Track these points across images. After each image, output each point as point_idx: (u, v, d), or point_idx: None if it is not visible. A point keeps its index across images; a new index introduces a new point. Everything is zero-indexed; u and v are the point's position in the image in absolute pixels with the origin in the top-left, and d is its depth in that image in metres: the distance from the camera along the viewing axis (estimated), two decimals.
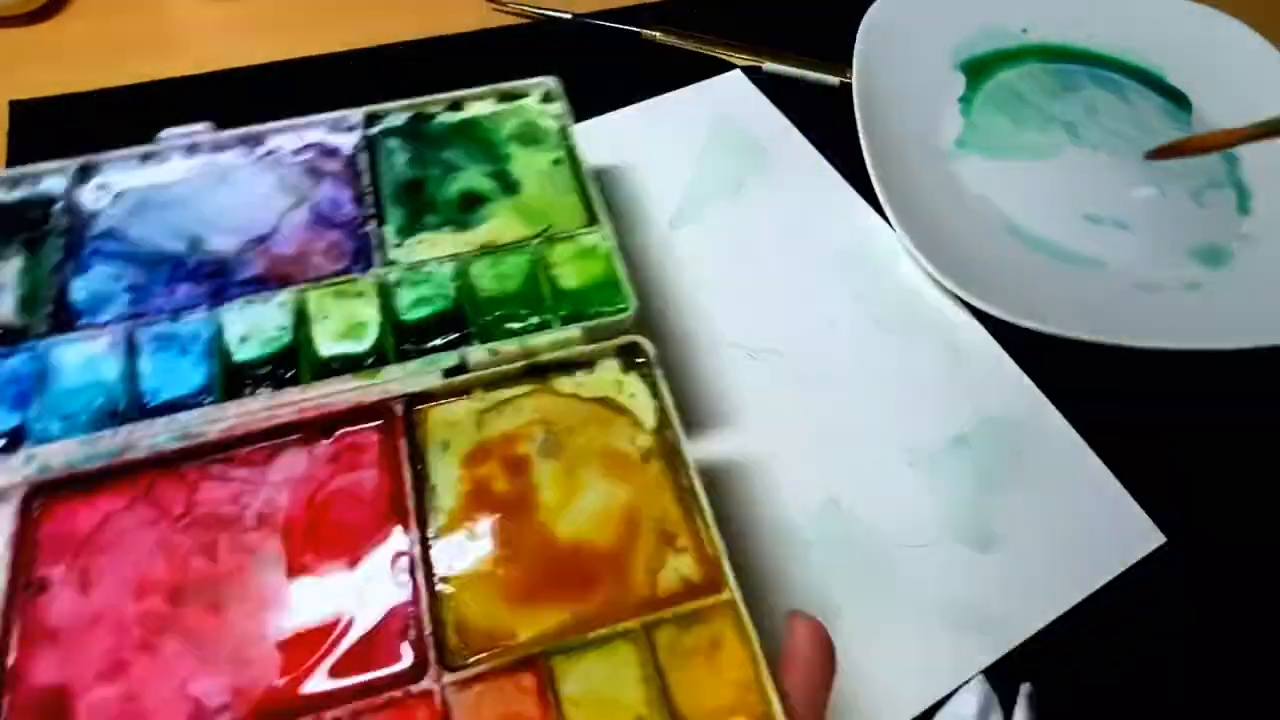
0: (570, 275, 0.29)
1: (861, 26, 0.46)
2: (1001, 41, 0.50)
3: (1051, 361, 0.37)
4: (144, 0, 0.46)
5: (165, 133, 0.31)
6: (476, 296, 0.29)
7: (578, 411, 0.27)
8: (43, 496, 0.24)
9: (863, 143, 0.41)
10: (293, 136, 0.33)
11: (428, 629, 0.22)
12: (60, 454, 0.24)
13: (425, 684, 0.21)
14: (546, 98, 0.35)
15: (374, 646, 0.22)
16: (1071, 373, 0.37)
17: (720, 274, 0.39)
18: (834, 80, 0.47)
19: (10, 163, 0.38)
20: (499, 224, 0.31)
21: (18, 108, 0.40)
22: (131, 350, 0.27)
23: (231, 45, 0.44)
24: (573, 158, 0.33)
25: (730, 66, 0.47)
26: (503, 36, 0.47)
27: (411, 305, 0.28)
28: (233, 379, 0.26)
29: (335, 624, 0.23)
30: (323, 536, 0.24)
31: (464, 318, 0.28)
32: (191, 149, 0.32)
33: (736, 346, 0.37)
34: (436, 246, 0.30)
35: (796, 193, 0.42)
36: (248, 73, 0.43)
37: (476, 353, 0.27)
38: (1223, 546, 0.34)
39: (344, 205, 0.31)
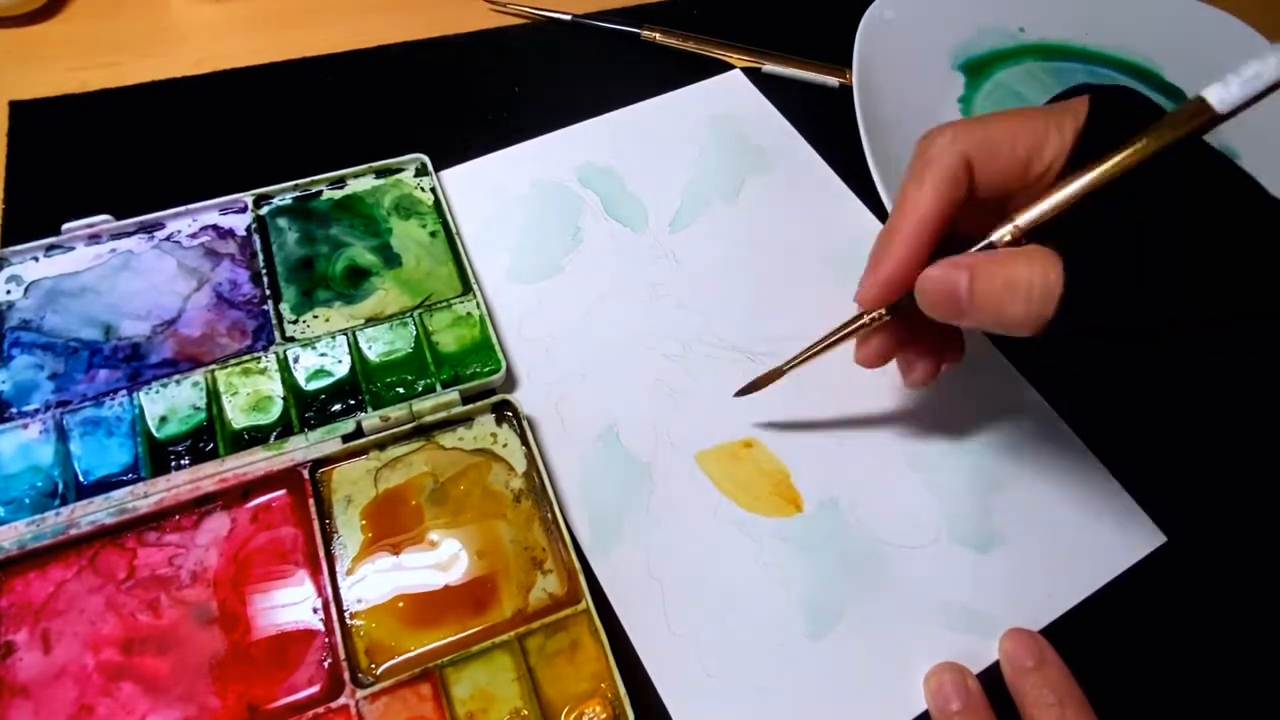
0: (449, 341, 0.35)
1: (861, 26, 0.45)
2: (999, 41, 0.51)
3: (1051, 360, 0.38)
4: (143, 0, 0.46)
5: (67, 225, 0.35)
6: (367, 365, 0.34)
7: (460, 462, 0.32)
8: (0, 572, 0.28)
9: (864, 143, 0.41)
10: (188, 220, 0.36)
11: (341, 655, 0.28)
12: (11, 535, 0.29)
13: (342, 700, 0.27)
14: (420, 171, 0.39)
15: (298, 673, 0.28)
16: (1071, 372, 0.38)
17: (719, 275, 0.39)
18: (834, 80, 0.48)
19: (10, 163, 0.38)
20: (384, 296, 0.35)
21: (18, 108, 0.40)
22: (62, 435, 0.31)
23: (231, 45, 0.45)
24: (447, 229, 0.37)
25: (730, 66, 0.48)
26: (503, 37, 0.48)
27: (310, 377, 0.33)
28: (157, 455, 0.31)
29: (264, 658, 0.28)
30: (248, 586, 0.29)
31: (357, 386, 0.33)
32: (93, 238, 0.35)
33: (736, 349, 0.37)
34: (329, 321, 0.35)
35: (796, 193, 0.43)
36: (247, 73, 0.43)
37: (370, 419, 0.32)
38: (1223, 546, 0.34)
39: (242, 285, 0.35)
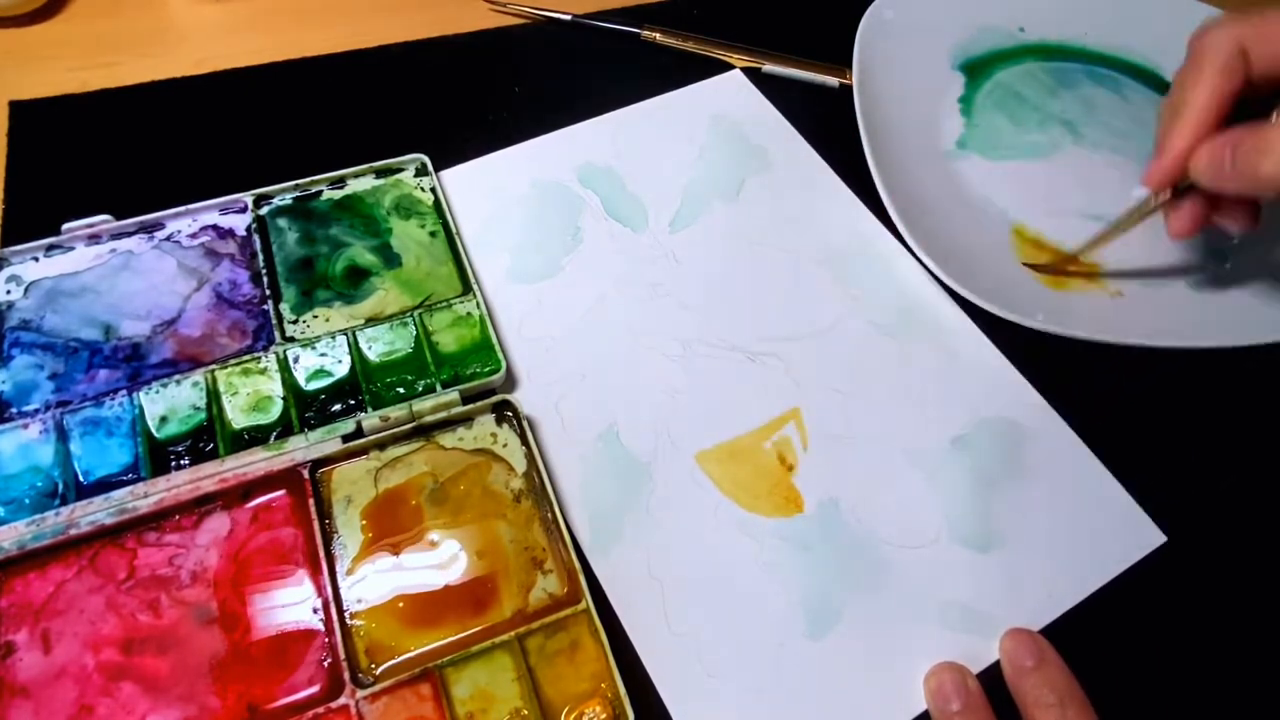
0: (449, 341, 0.35)
1: (861, 26, 0.46)
2: (999, 41, 0.51)
3: (1051, 361, 0.38)
4: (143, 0, 0.46)
5: (67, 225, 0.35)
6: (367, 365, 0.34)
7: (460, 462, 0.32)
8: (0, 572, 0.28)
9: (864, 144, 0.41)
10: (188, 220, 0.36)
11: (341, 655, 0.28)
12: (11, 535, 0.29)
13: (342, 700, 0.27)
14: (420, 171, 0.39)
15: (298, 673, 0.28)
16: (1071, 372, 0.38)
17: (719, 275, 0.40)
18: (834, 81, 0.48)
19: (10, 163, 0.39)
20: (384, 296, 0.35)
21: (18, 108, 0.40)
22: (62, 435, 0.31)
23: (231, 45, 0.45)
24: (447, 229, 0.37)
25: (730, 66, 0.48)
26: (502, 37, 0.48)
27: (310, 377, 0.33)
28: (157, 455, 0.31)
29: (264, 658, 0.28)
30: (248, 586, 0.29)
31: (357, 386, 0.33)
32: (93, 238, 0.35)
33: (736, 349, 0.37)
34: (329, 321, 0.35)
35: (796, 193, 0.43)
36: (248, 73, 0.44)
37: (370, 419, 0.32)
38: (1223, 546, 0.34)
39: (242, 285, 0.35)
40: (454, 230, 0.37)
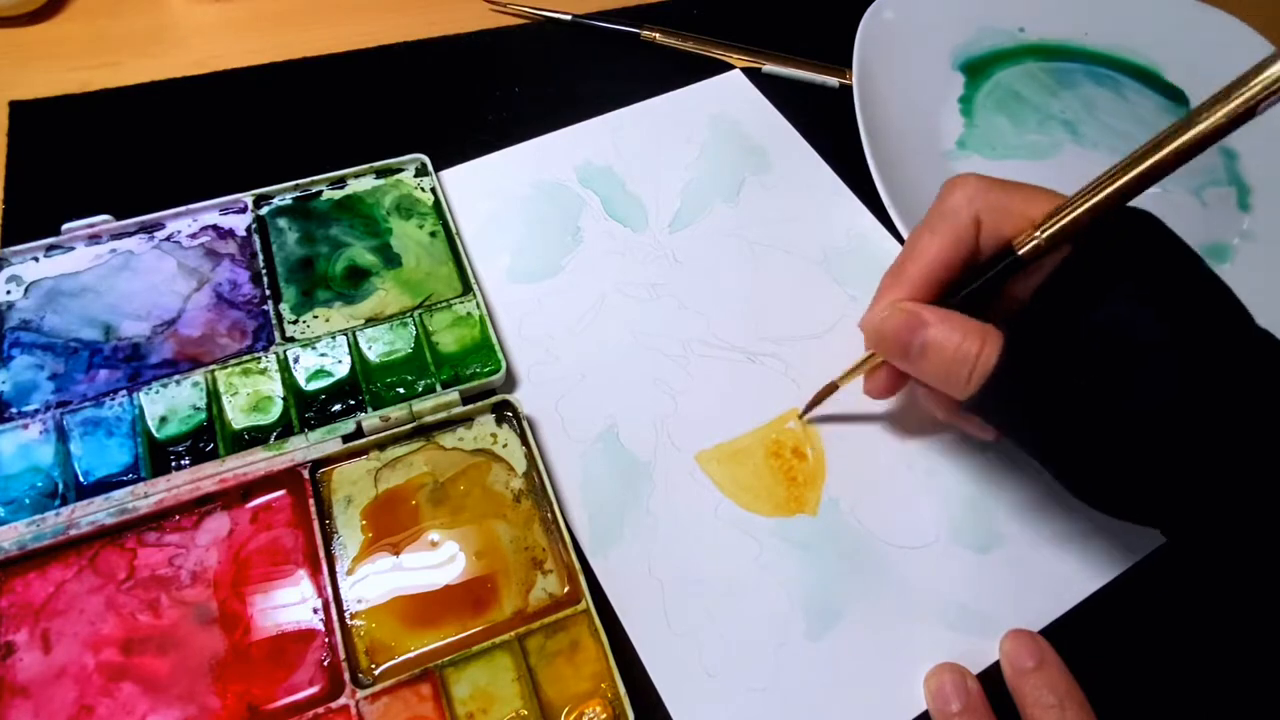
0: (449, 341, 0.35)
1: (861, 27, 0.46)
2: (1000, 41, 0.51)
3: None
4: (143, 0, 0.46)
5: (67, 225, 0.35)
6: (367, 366, 0.34)
7: (460, 462, 0.32)
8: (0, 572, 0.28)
9: (864, 144, 0.41)
10: (188, 220, 0.36)
11: (341, 655, 0.28)
12: (11, 535, 0.29)
13: (342, 700, 0.27)
14: (420, 171, 0.39)
15: (298, 673, 0.28)
16: None
17: (719, 275, 0.40)
18: (834, 81, 0.48)
19: (10, 163, 0.39)
20: (384, 296, 0.35)
21: (18, 108, 0.41)
22: (62, 435, 0.31)
23: (231, 45, 0.45)
24: (447, 229, 0.37)
25: (730, 66, 0.48)
26: (503, 37, 0.48)
27: (310, 377, 0.33)
28: (157, 455, 0.31)
29: (264, 658, 0.28)
30: (248, 586, 0.29)
31: (357, 386, 0.33)
32: (93, 238, 0.35)
33: (736, 349, 0.38)
34: (329, 321, 0.35)
35: (796, 193, 0.43)
36: (247, 73, 0.44)
37: (370, 419, 0.32)
38: (1223, 546, 0.35)
39: (242, 285, 0.35)
40: (454, 230, 0.37)
